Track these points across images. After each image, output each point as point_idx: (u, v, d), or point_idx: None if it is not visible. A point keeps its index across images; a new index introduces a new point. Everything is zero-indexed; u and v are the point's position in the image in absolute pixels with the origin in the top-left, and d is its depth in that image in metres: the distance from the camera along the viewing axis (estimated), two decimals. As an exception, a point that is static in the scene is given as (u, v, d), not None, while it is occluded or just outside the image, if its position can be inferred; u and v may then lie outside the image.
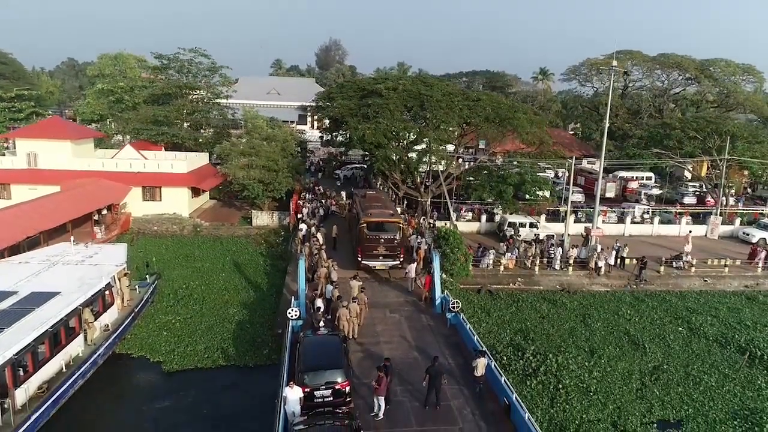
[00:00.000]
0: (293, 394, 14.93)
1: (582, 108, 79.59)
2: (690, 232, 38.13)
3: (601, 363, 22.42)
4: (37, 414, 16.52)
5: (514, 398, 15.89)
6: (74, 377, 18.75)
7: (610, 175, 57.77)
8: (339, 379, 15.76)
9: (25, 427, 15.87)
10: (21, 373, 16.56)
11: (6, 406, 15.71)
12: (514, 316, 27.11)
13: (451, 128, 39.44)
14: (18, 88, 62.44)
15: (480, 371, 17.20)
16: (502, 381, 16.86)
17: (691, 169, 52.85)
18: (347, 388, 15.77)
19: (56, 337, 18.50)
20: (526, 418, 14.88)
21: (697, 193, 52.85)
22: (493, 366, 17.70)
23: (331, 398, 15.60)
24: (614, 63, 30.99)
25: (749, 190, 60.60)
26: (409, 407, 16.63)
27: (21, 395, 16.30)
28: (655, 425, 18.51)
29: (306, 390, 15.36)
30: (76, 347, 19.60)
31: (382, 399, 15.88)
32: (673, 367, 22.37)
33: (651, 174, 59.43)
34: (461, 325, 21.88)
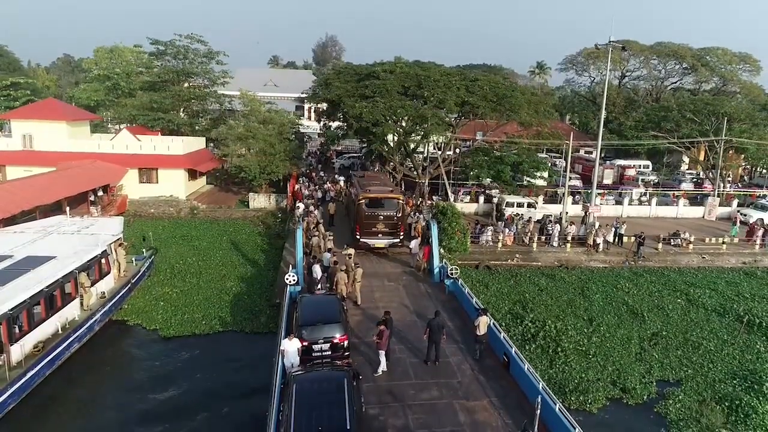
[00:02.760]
0: (292, 346, 14.84)
1: (579, 99, 79.63)
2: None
3: (600, 330, 22.40)
4: (33, 372, 16.39)
5: (513, 352, 15.82)
6: (70, 340, 18.61)
7: (608, 162, 57.90)
8: (337, 334, 15.66)
9: (20, 383, 15.75)
10: (16, 330, 16.42)
11: (1, 362, 15.60)
12: (512, 289, 27.02)
13: (449, 114, 39.35)
14: (14, 78, 62.10)
15: (482, 330, 17.03)
16: (501, 337, 16.77)
17: (689, 154, 52.89)
18: (345, 343, 15.69)
19: (52, 298, 18.37)
20: (526, 368, 14.82)
21: (695, 180, 52.95)
22: (492, 324, 17.60)
23: (330, 352, 15.51)
24: (611, 37, 30.93)
25: (746, 178, 60.79)
26: (408, 363, 16.56)
27: (17, 351, 16.18)
28: (655, 384, 18.49)
29: (304, 344, 15.26)
30: (72, 311, 19.42)
31: (383, 354, 15.79)
32: (672, 334, 22.37)
33: (648, 162, 59.57)
34: (460, 292, 21.80)
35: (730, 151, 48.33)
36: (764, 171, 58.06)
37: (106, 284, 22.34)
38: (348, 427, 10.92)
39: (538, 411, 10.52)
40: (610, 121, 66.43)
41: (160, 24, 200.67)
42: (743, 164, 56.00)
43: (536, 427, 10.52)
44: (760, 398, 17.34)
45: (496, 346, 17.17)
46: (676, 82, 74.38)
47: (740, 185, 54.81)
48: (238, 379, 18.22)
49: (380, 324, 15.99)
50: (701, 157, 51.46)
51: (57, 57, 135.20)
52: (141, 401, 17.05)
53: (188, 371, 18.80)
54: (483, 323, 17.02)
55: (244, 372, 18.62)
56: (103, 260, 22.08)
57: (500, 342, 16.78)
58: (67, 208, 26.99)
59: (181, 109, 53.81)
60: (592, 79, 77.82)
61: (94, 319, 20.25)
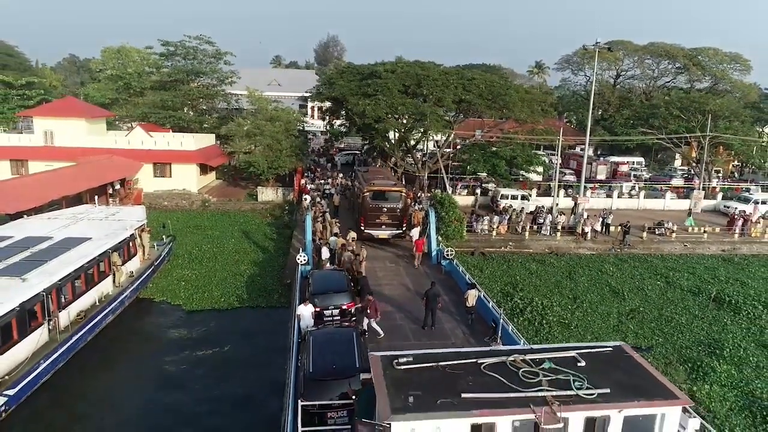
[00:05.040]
0: (307, 310, 17.03)
1: (576, 98, 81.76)
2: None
3: (583, 306, 24.61)
4: (77, 336, 18.66)
5: (500, 317, 17.97)
6: (106, 311, 20.87)
7: (602, 158, 60.06)
8: (345, 301, 17.92)
9: (67, 345, 18.03)
10: (63, 299, 18.67)
11: (52, 326, 17.85)
12: (504, 273, 29.21)
13: (448, 113, 41.47)
14: (28, 78, 64.40)
15: (471, 302, 19.21)
16: (490, 306, 18.97)
17: (680, 150, 54.96)
18: (353, 309, 17.89)
19: (90, 274, 20.60)
20: (510, 329, 16.99)
21: (686, 176, 55.13)
22: (482, 296, 19.78)
23: (339, 317, 17.72)
24: (598, 39, 33.14)
25: (736, 174, 62.87)
26: (408, 328, 18.80)
27: (64, 317, 18.47)
28: (628, 350, 20.65)
29: (317, 310, 17.45)
30: (106, 286, 21.71)
31: (374, 322, 17.92)
32: (648, 310, 24.55)
33: (641, 159, 61.71)
34: (455, 271, 24.01)
35: (720, 148, 50.47)
36: (753, 167, 60.11)
37: (133, 265, 24.58)
38: (357, 365, 13.09)
39: (501, 322, 14.51)
40: (605, 119, 68.52)
41: (160, 24, 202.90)
42: (732, 160, 58.10)
43: (499, 335, 14.96)
44: (720, 361, 19.50)
45: (486, 315, 19.35)
46: (669, 81, 76.42)
47: (729, 180, 56.94)
48: (259, 340, 20.66)
49: (371, 295, 18.09)
50: (692, 154, 53.60)
51: (63, 57, 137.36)
52: (174, 361, 19.38)
53: (213, 335, 21.28)
54: (472, 296, 19.19)
55: (263, 335, 21.04)
56: (130, 243, 24.33)
57: (489, 311, 18.98)
58: (96, 197, 29.19)
59: (190, 107, 56.13)
60: (587, 78, 79.88)
61: (124, 294, 22.52)
